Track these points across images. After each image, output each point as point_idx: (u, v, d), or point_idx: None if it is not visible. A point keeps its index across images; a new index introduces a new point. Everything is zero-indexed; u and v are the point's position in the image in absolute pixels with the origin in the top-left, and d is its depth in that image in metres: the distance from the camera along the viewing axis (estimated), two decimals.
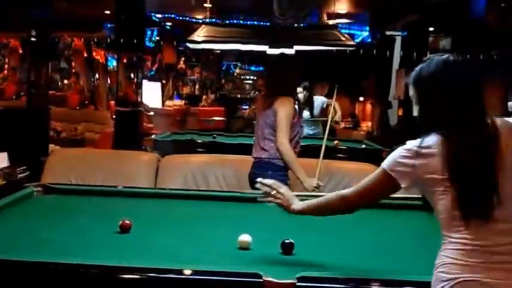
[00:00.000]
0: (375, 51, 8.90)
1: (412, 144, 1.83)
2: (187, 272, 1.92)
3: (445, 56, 1.86)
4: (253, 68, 15.40)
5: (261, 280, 1.84)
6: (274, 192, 2.23)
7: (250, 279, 1.86)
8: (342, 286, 1.90)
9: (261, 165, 3.84)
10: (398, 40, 9.83)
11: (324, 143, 4.18)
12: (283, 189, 2.24)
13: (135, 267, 1.94)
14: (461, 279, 1.69)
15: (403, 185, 1.83)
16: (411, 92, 1.91)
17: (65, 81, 14.50)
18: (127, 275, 1.93)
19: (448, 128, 1.79)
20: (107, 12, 9.60)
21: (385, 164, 1.87)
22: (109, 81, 13.07)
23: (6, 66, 14.33)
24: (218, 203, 3.26)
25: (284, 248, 2.27)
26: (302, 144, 4.11)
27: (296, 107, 3.94)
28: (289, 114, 3.80)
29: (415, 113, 1.91)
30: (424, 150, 1.78)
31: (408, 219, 3.08)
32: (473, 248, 1.71)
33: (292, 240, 2.28)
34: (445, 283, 1.71)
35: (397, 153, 1.85)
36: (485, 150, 1.75)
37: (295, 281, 1.85)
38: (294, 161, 3.77)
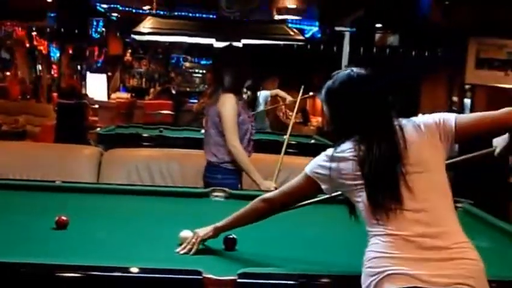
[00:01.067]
0: (322, 47, 8.97)
1: (329, 150, 1.98)
2: (126, 269, 1.86)
3: (348, 70, 2.02)
4: (202, 62, 15.30)
5: (201, 277, 1.81)
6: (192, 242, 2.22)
7: (190, 277, 1.83)
8: (283, 282, 1.88)
9: (212, 169, 3.74)
10: (347, 36, 9.94)
11: (286, 141, 4.09)
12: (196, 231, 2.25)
13: (72, 265, 1.87)
14: (389, 271, 1.73)
15: (323, 187, 1.99)
16: (324, 107, 2.07)
17: (7, 73, 14.06)
18: (63, 273, 1.86)
19: (358, 134, 1.92)
20: (49, 0, 9.33)
21: (307, 167, 2.03)
22: (52, 73, 12.75)
23: None
24: (163, 198, 3.20)
25: (226, 243, 2.25)
26: (256, 138, 4.03)
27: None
28: (231, 112, 3.61)
29: (330, 128, 2.10)
30: (338, 155, 1.92)
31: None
32: (395, 239, 1.78)
33: (235, 236, 2.26)
34: (373, 277, 1.75)
35: (318, 158, 2.00)
36: (392, 149, 1.87)
37: (236, 277, 1.83)
38: (247, 163, 3.63)
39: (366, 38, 8.87)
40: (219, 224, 2.24)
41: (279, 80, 8.00)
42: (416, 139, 1.90)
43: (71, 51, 8.34)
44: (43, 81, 13.05)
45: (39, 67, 13.17)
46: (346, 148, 1.93)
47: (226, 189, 3.27)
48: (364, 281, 1.79)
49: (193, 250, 2.18)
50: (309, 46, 8.22)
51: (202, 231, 2.23)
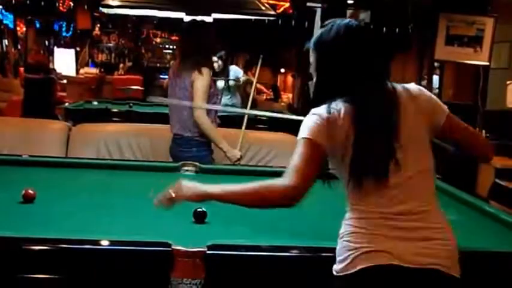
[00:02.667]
0: (293, 22, 8.96)
1: (319, 110, 1.81)
2: (95, 242, 1.86)
3: (346, 20, 1.88)
4: (173, 37, 15.14)
5: (170, 249, 1.80)
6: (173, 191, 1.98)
7: (159, 248, 1.82)
8: (253, 253, 1.89)
9: (185, 143, 3.73)
10: (319, 12, 9.92)
11: (247, 113, 4.14)
12: (181, 183, 1.99)
13: (40, 238, 1.85)
14: (367, 248, 1.70)
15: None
16: (311, 58, 1.92)
17: None
18: (31, 246, 1.84)
19: (350, 93, 1.80)
20: None
21: (303, 133, 1.81)
22: (19, 47, 12.49)
23: None
24: (132, 172, 3.18)
25: (196, 216, 2.25)
26: (222, 114, 4.06)
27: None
28: (206, 85, 3.66)
29: (313, 81, 1.94)
30: (335, 112, 1.77)
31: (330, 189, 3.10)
32: (376, 215, 1.73)
33: (204, 209, 2.26)
34: (351, 252, 1.72)
35: (310, 121, 1.81)
36: (387, 113, 1.78)
37: (205, 249, 1.83)
38: (215, 132, 3.69)
39: (338, 15, 8.86)
40: (211, 190, 1.95)
41: (249, 56, 7.97)
42: (411, 111, 1.82)
43: (37, 26, 8.16)
44: (9, 56, 12.77)
45: (5, 42, 12.88)
46: (340, 108, 1.78)
47: (197, 164, 3.27)
48: (340, 254, 1.75)
49: (169, 206, 1.97)
50: (280, 21, 8.19)
51: (188, 189, 1.96)
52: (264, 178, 3.15)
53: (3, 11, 12.32)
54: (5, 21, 12.76)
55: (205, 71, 3.68)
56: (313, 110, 1.84)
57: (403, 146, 1.76)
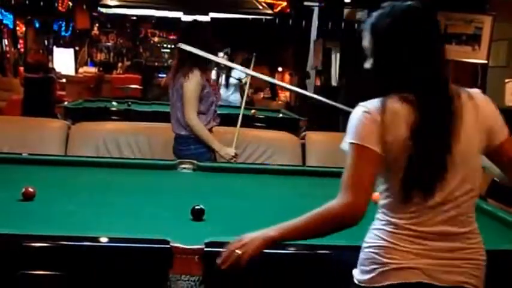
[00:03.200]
0: (290, 21, 8.98)
1: (371, 106, 1.62)
2: (95, 239, 1.87)
3: (408, 3, 1.66)
4: (171, 37, 15.14)
5: (169, 246, 1.82)
6: (237, 248, 1.73)
7: (158, 246, 1.84)
8: None
9: (183, 141, 3.77)
10: (316, 11, 9.96)
11: (241, 112, 4.16)
12: (241, 237, 1.76)
13: (40, 235, 1.87)
14: (397, 265, 1.61)
15: (376, 149, 1.60)
16: (366, 41, 1.71)
17: None
18: (31, 243, 1.85)
19: (409, 86, 1.62)
20: None
21: (349, 138, 1.63)
22: (18, 47, 12.49)
23: None
24: (130, 170, 3.20)
25: (194, 214, 2.27)
26: (220, 112, 4.08)
27: (213, 75, 3.87)
28: (194, 87, 3.67)
29: (367, 65, 1.72)
30: (385, 115, 1.59)
31: (327, 186, 3.12)
32: (414, 233, 1.62)
33: (202, 207, 2.28)
34: (379, 266, 1.63)
35: (359, 120, 1.62)
36: (449, 122, 1.60)
37: (203, 246, 1.85)
38: (205, 133, 3.70)
39: (335, 13, 8.91)
40: (274, 234, 1.71)
41: (247, 54, 7.98)
42: (471, 123, 1.63)
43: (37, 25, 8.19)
44: (9, 55, 12.78)
45: (5, 42, 12.88)
46: (397, 105, 1.60)
47: (194, 161, 3.30)
48: (365, 264, 1.66)
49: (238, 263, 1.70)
50: (277, 20, 8.22)
51: (252, 241, 1.71)
52: (261, 176, 3.24)
53: (3, 10, 12.33)
54: (4, 21, 12.77)
55: (192, 73, 3.68)
56: (363, 104, 1.65)
57: (456, 162, 1.61)
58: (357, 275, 1.69)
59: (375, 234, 1.67)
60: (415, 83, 1.61)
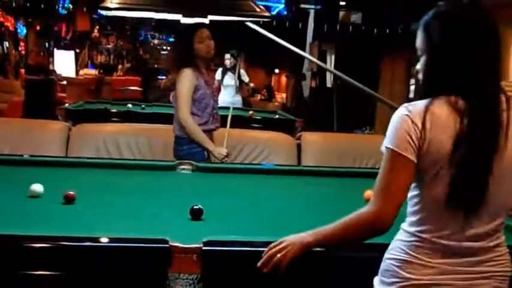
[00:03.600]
0: (287, 24, 9.04)
1: (415, 109, 1.54)
2: (95, 239, 1.90)
3: (463, 3, 1.60)
4: (171, 39, 15.18)
5: (167, 245, 1.85)
6: (277, 251, 1.77)
7: (156, 245, 1.87)
8: (248, 249, 1.92)
9: (178, 142, 3.82)
10: (312, 14, 10.01)
11: (230, 112, 4.24)
12: (280, 240, 1.80)
13: (40, 236, 1.90)
14: (419, 281, 1.56)
15: (410, 157, 1.53)
16: (419, 41, 1.63)
17: None
18: (31, 243, 1.88)
19: (461, 91, 1.53)
20: None
21: (390, 142, 1.57)
22: (20, 49, 12.52)
23: None
24: (130, 171, 3.23)
25: (193, 214, 2.30)
26: (222, 114, 4.12)
27: (218, 75, 3.92)
28: (186, 87, 3.70)
29: (418, 66, 1.64)
30: (430, 120, 1.52)
31: (322, 186, 3.15)
32: (442, 248, 1.57)
33: (200, 206, 2.31)
34: (401, 280, 1.58)
35: (400, 124, 1.55)
36: (495, 135, 1.51)
37: (202, 245, 1.87)
38: (197, 133, 3.72)
39: (330, 16, 8.99)
40: (309, 238, 1.75)
41: (245, 56, 8.05)
42: None
43: (37, 28, 8.23)
44: (10, 57, 12.82)
45: (6, 44, 12.92)
46: (442, 110, 1.51)
47: (193, 162, 3.33)
48: (386, 276, 1.62)
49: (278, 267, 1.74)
50: (274, 23, 8.28)
51: (290, 244, 1.75)
52: (257, 176, 3.28)
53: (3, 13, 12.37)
54: (5, 23, 12.80)
55: (184, 73, 3.72)
56: (406, 106, 1.57)
57: (500, 176, 1.54)
58: (377, 285, 1.66)
59: (399, 246, 1.62)
60: (468, 85, 1.52)
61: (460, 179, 1.50)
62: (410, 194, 1.60)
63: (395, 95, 7.34)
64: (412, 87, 6.89)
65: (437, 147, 1.51)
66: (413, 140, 1.52)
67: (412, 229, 1.60)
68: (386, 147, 1.58)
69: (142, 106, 6.56)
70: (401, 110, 1.57)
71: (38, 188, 2.53)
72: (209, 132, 3.83)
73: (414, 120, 1.53)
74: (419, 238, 1.58)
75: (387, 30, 7.26)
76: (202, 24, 3.95)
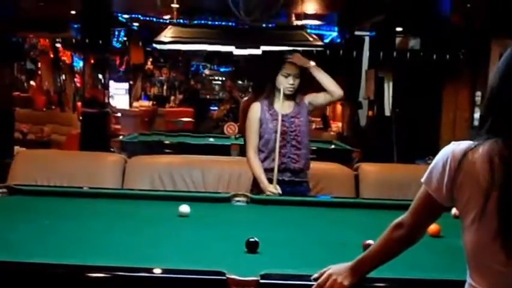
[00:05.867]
0: (341, 52, 9.01)
1: (458, 148, 1.52)
2: (150, 270, 1.92)
3: None
4: (222, 69, 15.41)
5: (225, 277, 1.85)
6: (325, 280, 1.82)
7: (214, 277, 1.87)
8: (305, 283, 1.89)
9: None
10: (367, 40, 9.95)
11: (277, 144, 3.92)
12: (327, 274, 1.84)
13: (98, 266, 1.93)
14: None
15: (435, 196, 1.56)
16: (495, 80, 1.57)
17: (31, 83, 14.31)
18: (91, 273, 1.92)
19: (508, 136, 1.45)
20: (73, 12, 9.49)
21: (425, 175, 1.60)
22: (76, 82, 12.94)
23: None
24: (185, 203, 3.25)
25: (248, 246, 2.28)
26: None
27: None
28: (249, 122, 3.75)
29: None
30: (468, 164, 1.48)
31: (380, 218, 3.09)
32: None
33: (256, 239, 2.29)
34: None
35: (438, 160, 1.56)
36: None
37: (259, 278, 1.86)
38: (256, 172, 3.70)
39: (386, 42, 8.87)
40: (352, 265, 1.81)
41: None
42: None
43: (92, 61, 8.47)
44: (67, 90, 13.24)
45: (63, 77, 13.38)
46: (488, 153, 1.45)
47: (248, 194, 3.32)
48: None
49: None
50: (328, 52, 8.26)
51: (339, 274, 1.80)
52: (314, 208, 3.24)
53: (61, 47, 12.83)
54: (62, 58, 13.28)
55: (251, 106, 3.79)
56: (455, 144, 1.56)
57: None
58: None
59: None
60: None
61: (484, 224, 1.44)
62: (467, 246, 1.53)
63: (459, 122, 7.15)
64: (476, 115, 6.68)
65: (473, 193, 1.47)
66: (448, 182, 1.52)
67: (468, 280, 1.54)
68: (423, 178, 1.62)
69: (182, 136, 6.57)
70: (449, 147, 1.56)
71: (185, 209, 2.84)
72: (271, 170, 3.68)
73: (455, 160, 1.51)
74: None
75: (447, 56, 7.11)
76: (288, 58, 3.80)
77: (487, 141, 1.47)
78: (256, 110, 3.76)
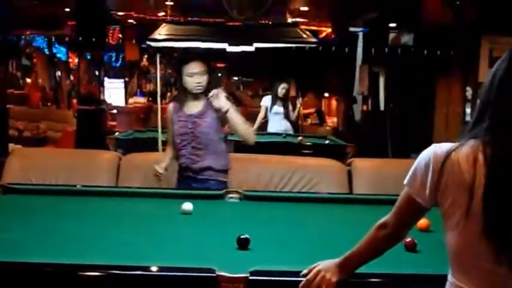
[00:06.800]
0: (333, 48, 9.04)
1: (440, 149, 1.53)
2: (145, 268, 1.96)
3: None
4: (218, 65, 15.41)
5: (215, 275, 1.88)
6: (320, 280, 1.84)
7: (204, 274, 1.91)
8: (294, 279, 1.92)
9: None
10: (361, 36, 9.98)
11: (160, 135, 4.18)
12: (318, 268, 1.87)
13: (93, 265, 1.97)
14: None
15: (418, 200, 1.58)
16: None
17: (27, 79, 14.31)
18: (85, 272, 1.96)
19: (492, 136, 1.46)
20: (67, 10, 9.50)
21: (407, 177, 1.62)
22: (71, 79, 12.95)
23: None
24: (179, 200, 3.27)
25: (239, 243, 2.31)
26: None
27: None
28: (167, 122, 3.91)
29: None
30: (449, 166, 1.49)
31: (373, 214, 3.11)
32: None
33: (247, 236, 2.31)
34: None
35: (421, 163, 1.57)
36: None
37: (248, 274, 1.89)
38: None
39: (380, 38, 8.90)
40: (340, 261, 1.84)
41: (296, 84, 8.05)
42: None
43: (88, 57, 8.50)
44: (63, 87, 13.24)
45: (59, 74, 13.37)
46: (470, 155, 1.45)
47: (240, 191, 3.35)
48: None
49: None
50: (320, 48, 8.29)
51: (327, 271, 1.83)
52: (306, 204, 3.26)
53: (56, 44, 12.83)
54: (58, 54, 13.26)
55: (168, 108, 3.91)
56: (436, 146, 1.57)
57: None
58: None
59: None
60: (496, 130, 1.45)
61: (494, 219, 1.43)
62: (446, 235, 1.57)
63: (452, 117, 7.18)
64: (468, 110, 6.72)
65: (455, 196, 1.48)
66: (430, 184, 1.53)
67: (451, 279, 1.56)
68: (405, 180, 1.63)
69: None
70: (429, 150, 1.57)
71: (188, 206, 2.89)
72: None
73: (436, 162, 1.52)
74: None
75: (438, 52, 7.12)
76: (195, 57, 3.75)
77: (469, 141, 1.49)
78: (169, 110, 3.83)
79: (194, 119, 3.71)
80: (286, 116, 7.33)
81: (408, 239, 2.29)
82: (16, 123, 9.44)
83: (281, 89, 7.29)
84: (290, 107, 7.45)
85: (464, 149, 1.48)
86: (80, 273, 1.94)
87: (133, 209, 3.10)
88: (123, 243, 2.39)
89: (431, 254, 2.28)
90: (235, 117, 3.64)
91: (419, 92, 7.74)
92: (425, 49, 7.34)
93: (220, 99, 3.59)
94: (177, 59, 4.02)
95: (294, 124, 7.56)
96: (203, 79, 3.68)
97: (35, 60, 13.93)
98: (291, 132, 7.26)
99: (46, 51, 13.21)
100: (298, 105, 7.66)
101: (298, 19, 8.65)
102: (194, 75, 3.66)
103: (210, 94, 3.60)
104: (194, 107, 3.74)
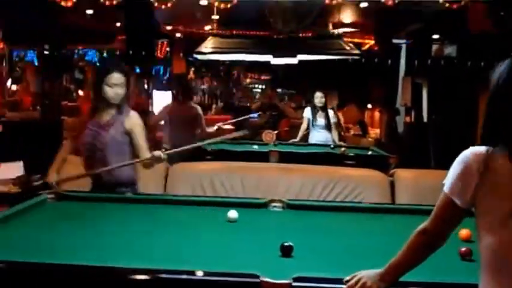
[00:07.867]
0: (376, 60, 9.01)
1: (476, 152, 1.58)
2: (191, 272, 2.03)
3: None
4: (262, 77, 15.53)
5: (258, 280, 1.94)
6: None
7: (248, 280, 1.96)
8: (336, 286, 1.95)
9: None
10: (404, 48, 9.94)
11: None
12: (361, 274, 1.93)
13: (142, 269, 2.05)
14: None
15: (457, 201, 1.63)
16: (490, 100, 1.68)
17: (80, 92, 14.71)
18: (135, 275, 2.04)
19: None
20: (118, 24, 9.77)
21: (446, 182, 1.67)
22: None
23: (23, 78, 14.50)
24: (224, 208, 3.34)
25: (283, 250, 2.35)
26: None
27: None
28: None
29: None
30: (490, 171, 1.54)
31: (415, 224, 3.11)
32: None
33: (291, 243, 2.36)
34: None
35: (459, 166, 1.61)
36: None
37: (291, 281, 1.94)
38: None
39: (423, 50, 8.85)
40: (382, 270, 1.88)
41: (338, 96, 8.03)
42: None
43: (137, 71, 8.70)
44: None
45: None
46: (504, 160, 1.52)
47: (284, 200, 3.41)
48: None
49: None
50: (363, 60, 8.29)
51: (369, 278, 1.87)
52: (349, 213, 3.30)
53: (107, 58, 13.14)
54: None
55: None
56: (472, 149, 1.61)
57: None
58: None
59: None
60: None
61: None
62: (481, 239, 1.60)
63: None
64: None
65: (495, 201, 1.53)
66: (470, 187, 1.57)
67: (486, 277, 1.59)
68: (443, 185, 1.66)
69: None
70: (466, 153, 1.61)
71: (233, 214, 2.99)
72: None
73: (475, 165, 1.57)
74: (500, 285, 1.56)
75: (481, 63, 7.03)
76: (117, 69, 3.72)
77: (500, 147, 1.55)
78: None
79: (99, 129, 3.68)
80: (328, 127, 7.35)
81: (463, 248, 2.30)
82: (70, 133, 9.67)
83: (318, 98, 7.32)
84: (333, 119, 7.47)
85: (501, 152, 1.54)
86: (130, 276, 2.03)
87: (180, 217, 3.19)
88: (170, 248, 2.48)
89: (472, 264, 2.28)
90: (141, 139, 3.74)
91: (462, 104, 7.65)
92: (468, 60, 7.26)
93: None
94: (98, 69, 3.97)
95: (338, 135, 7.57)
96: (123, 91, 3.69)
97: (87, 73, 14.32)
98: (331, 143, 7.28)
99: (98, 64, 13.55)
100: (332, 114, 7.68)
101: (341, 29, 8.66)
102: (115, 86, 3.65)
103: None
104: (106, 116, 3.71)
